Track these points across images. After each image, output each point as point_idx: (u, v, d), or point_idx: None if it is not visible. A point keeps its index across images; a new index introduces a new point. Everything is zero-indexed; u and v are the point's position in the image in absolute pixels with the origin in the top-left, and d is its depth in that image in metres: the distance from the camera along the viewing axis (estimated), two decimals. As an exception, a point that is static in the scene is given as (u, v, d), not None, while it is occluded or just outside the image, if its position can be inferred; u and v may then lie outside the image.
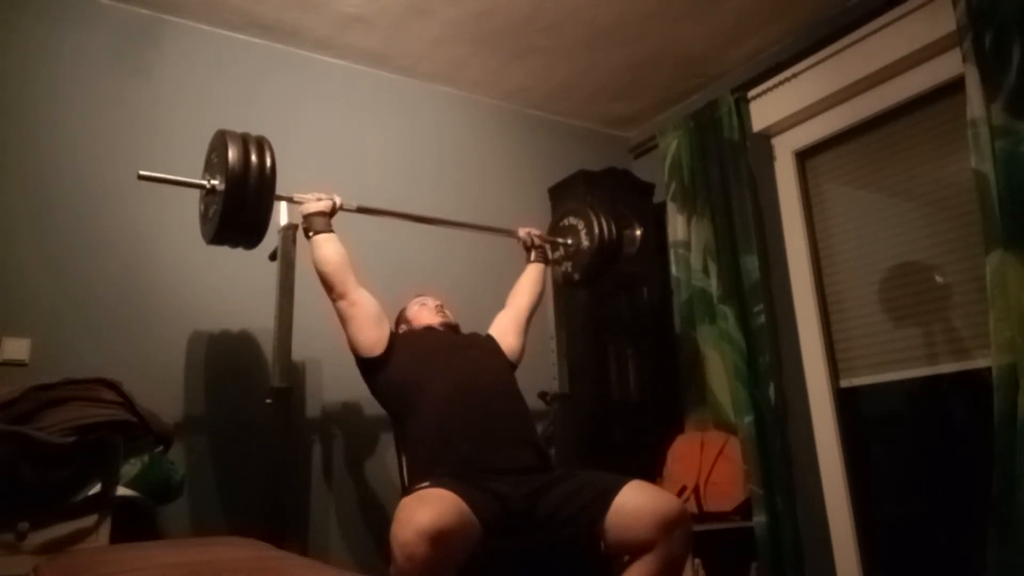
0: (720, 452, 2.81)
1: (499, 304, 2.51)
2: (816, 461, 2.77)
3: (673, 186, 3.21)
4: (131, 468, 1.94)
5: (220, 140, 1.99)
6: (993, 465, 2.06)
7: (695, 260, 3.08)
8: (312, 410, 2.64)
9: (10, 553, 1.68)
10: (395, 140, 3.11)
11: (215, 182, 1.99)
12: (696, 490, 2.75)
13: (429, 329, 2.31)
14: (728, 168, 3.02)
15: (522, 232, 2.61)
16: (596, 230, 2.57)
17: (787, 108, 2.95)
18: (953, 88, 2.42)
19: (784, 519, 2.68)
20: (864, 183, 2.83)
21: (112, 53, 2.57)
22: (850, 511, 2.67)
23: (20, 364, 2.19)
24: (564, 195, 3.32)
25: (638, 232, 3.28)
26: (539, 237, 2.62)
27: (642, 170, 3.50)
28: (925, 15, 2.47)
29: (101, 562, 1.25)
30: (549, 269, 2.67)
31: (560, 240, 2.70)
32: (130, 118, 2.56)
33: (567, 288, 2.79)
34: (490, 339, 2.34)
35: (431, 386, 2.05)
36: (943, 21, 2.38)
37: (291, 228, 2.23)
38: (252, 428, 2.39)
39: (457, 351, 2.19)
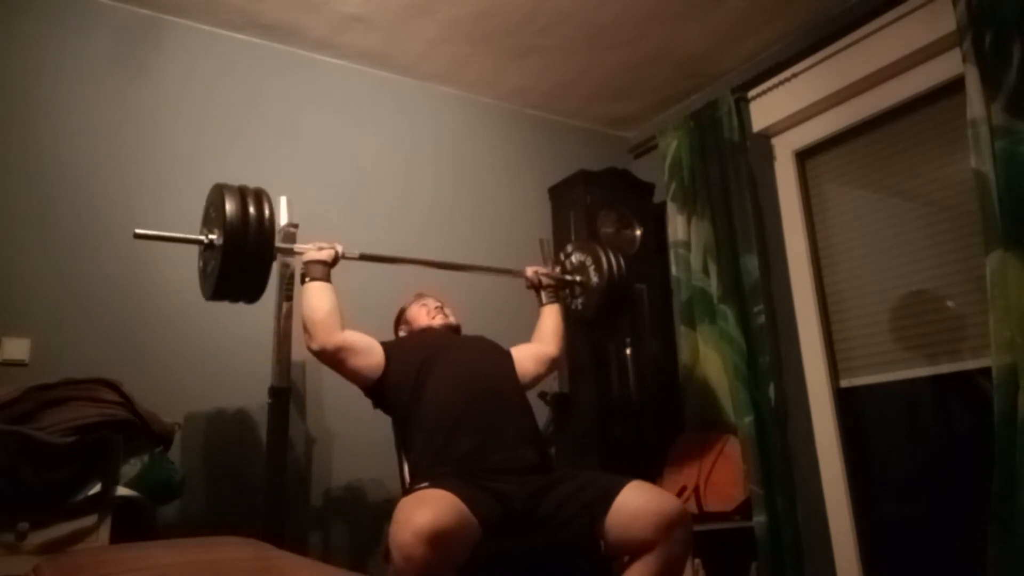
0: (720, 452, 2.81)
1: (497, 304, 2.51)
2: (816, 461, 2.77)
3: (673, 186, 3.21)
4: (131, 468, 1.94)
5: (217, 195, 1.92)
6: (993, 465, 2.06)
7: (695, 260, 3.07)
8: (312, 410, 2.64)
9: (10, 553, 1.68)
10: (395, 140, 3.11)
11: (213, 237, 1.91)
12: (696, 490, 2.75)
13: (428, 330, 2.31)
14: (728, 168, 3.02)
15: (529, 272, 2.50)
16: (605, 267, 2.47)
17: (787, 108, 2.95)
18: (953, 88, 2.42)
19: (784, 519, 2.68)
20: (864, 183, 2.83)
21: (113, 53, 2.58)
22: (850, 511, 2.67)
23: (20, 364, 2.19)
24: (564, 195, 3.32)
25: (638, 232, 3.28)
26: (547, 276, 2.51)
27: (642, 170, 3.50)
28: (925, 15, 2.47)
29: (101, 562, 1.25)
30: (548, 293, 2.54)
31: (569, 278, 2.57)
32: (131, 118, 2.56)
33: (577, 326, 2.67)
34: (499, 347, 2.31)
35: (432, 386, 2.04)
36: (943, 21, 2.38)
37: (292, 226, 2.23)
38: (252, 428, 2.39)
39: (457, 350, 2.18)
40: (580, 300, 2.57)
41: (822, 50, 2.79)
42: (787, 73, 2.92)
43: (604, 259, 2.49)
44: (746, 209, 2.93)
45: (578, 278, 2.56)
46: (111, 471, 1.84)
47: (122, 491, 1.88)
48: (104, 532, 1.82)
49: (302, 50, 2.97)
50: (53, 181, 2.38)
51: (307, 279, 2.07)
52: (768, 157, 3.11)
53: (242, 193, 1.91)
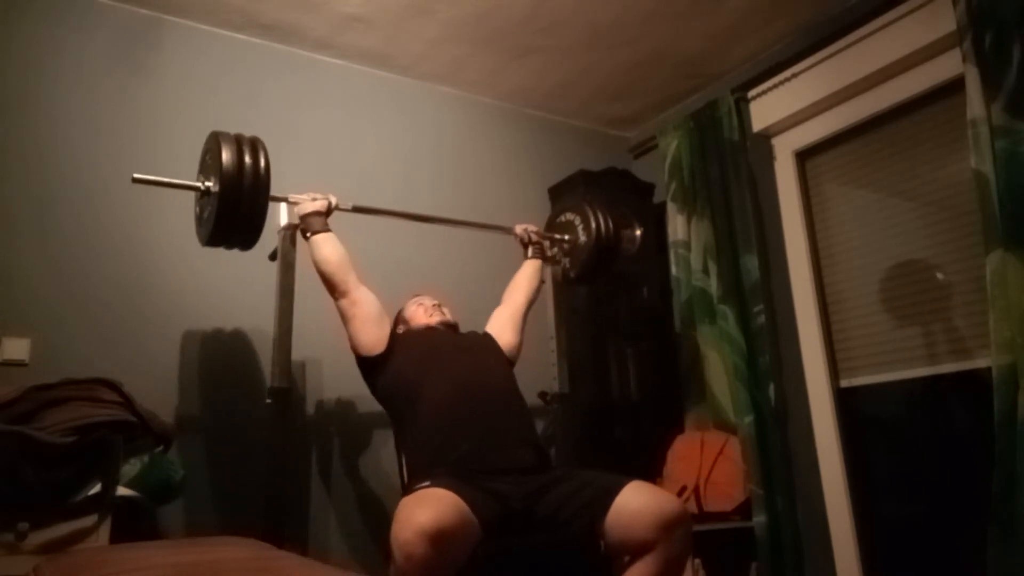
0: (720, 452, 2.81)
1: (497, 302, 2.51)
2: (816, 461, 2.77)
3: (673, 186, 3.21)
4: (131, 468, 1.94)
5: (213, 142, 1.98)
6: (993, 465, 2.06)
7: (695, 260, 3.07)
8: (312, 410, 2.64)
9: (10, 553, 1.68)
10: (394, 140, 3.11)
11: (209, 184, 1.98)
12: (696, 490, 2.75)
13: (428, 329, 2.31)
14: (728, 168, 3.02)
15: (519, 229, 2.62)
16: (593, 226, 2.57)
17: (787, 108, 2.95)
18: (953, 88, 2.42)
19: (784, 519, 2.68)
20: (864, 183, 2.83)
21: (112, 53, 2.58)
22: (850, 511, 2.67)
23: (20, 364, 2.19)
24: (564, 195, 3.32)
25: (638, 232, 3.28)
26: (536, 233, 2.63)
27: (642, 170, 3.49)
28: (925, 15, 2.47)
29: (101, 562, 1.25)
30: (547, 266, 2.67)
31: (557, 236, 2.69)
32: (131, 118, 2.56)
33: (566, 285, 2.78)
34: (488, 337, 2.34)
35: (431, 386, 2.04)
36: (943, 21, 2.38)
37: (291, 228, 2.23)
38: (252, 428, 2.39)
39: (457, 351, 2.18)
40: (567, 260, 2.69)
41: (822, 50, 2.79)
42: (787, 73, 2.92)
43: (593, 218, 2.58)
44: (746, 209, 2.93)
45: (566, 236, 2.66)
46: (111, 471, 1.84)
47: (122, 491, 1.88)
48: (104, 532, 1.82)
49: (302, 50, 2.97)
50: (53, 181, 2.38)
51: (308, 233, 2.15)
52: (768, 157, 3.11)
53: (238, 141, 1.97)
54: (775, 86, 2.97)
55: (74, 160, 2.43)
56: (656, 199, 3.38)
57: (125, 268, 2.42)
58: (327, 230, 2.17)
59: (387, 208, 2.51)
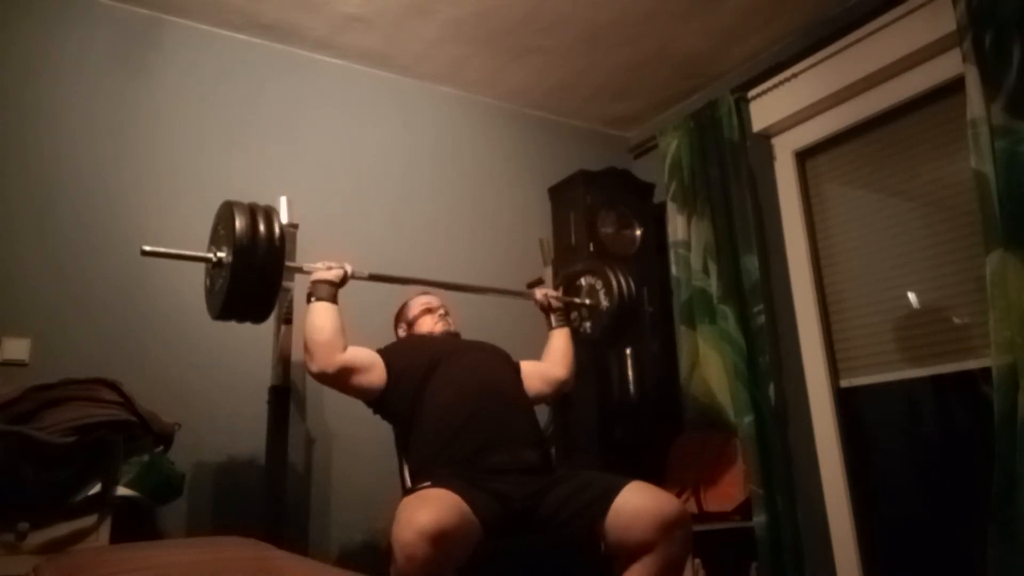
0: (720, 452, 2.81)
1: (498, 308, 2.51)
2: (816, 461, 2.77)
3: (673, 186, 3.21)
4: (131, 468, 1.94)
5: (226, 212, 1.87)
6: (993, 465, 2.06)
7: (695, 260, 3.07)
8: (312, 410, 2.64)
9: (10, 553, 1.68)
10: (395, 140, 3.11)
11: (222, 255, 1.87)
12: (696, 490, 2.76)
13: (428, 336, 2.31)
14: (728, 168, 3.02)
15: (539, 295, 2.48)
16: (616, 289, 2.46)
17: (787, 108, 2.95)
18: (953, 88, 2.42)
19: (784, 519, 2.68)
20: (864, 183, 2.83)
21: (113, 53, 2.58)
22: (850, 511, 2.67)
23: (20, 364, 2.19)
24: (564, 195, 3.32)
25: (638, 232, 3.28)
26: (556, 299, 2.49)
27: (642, 170, 3.49)
28: (925, 15, 2.47)
29: (101, 562, 1.25)
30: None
31: (578, 301, 2.55)
32: (131, 117, 2.56)
33: (585, 348, 2.66)
34: (499, 349, 2.31)
35: (434, 387, 2.04)
36: (943, 21, 2.38)
37: (292, 227, 2.23)
38: (252, 428, 2.39)
39: (459, 353, 2.18)
40: (588, 324, 2.55)
41: (822, 50, 2.79)
42: (787, 73, 2.92)
43: (615, 282, 2.46)
44: (746, 209, 2.93)
45: (588, 301, 2.54)
46: (111, 471, 1.85)
47: (122, 491, 1.88)
48: (104, 532, 1.82)
49: (302, 50, 2.97)
50: (53, 181, 2.38)
51: (312, 298, 2.03)
52: (768, 157, 3.11)
53: (252, 211, 1.86)
54: (775, 86, 2.97)
55: (74, 160, 2.43)
56: (656, 199, 3.38)
57: (125, 268, 2.41)
58: (332, 301, 2.03)
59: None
